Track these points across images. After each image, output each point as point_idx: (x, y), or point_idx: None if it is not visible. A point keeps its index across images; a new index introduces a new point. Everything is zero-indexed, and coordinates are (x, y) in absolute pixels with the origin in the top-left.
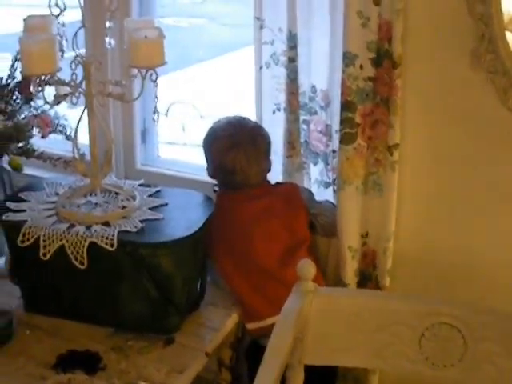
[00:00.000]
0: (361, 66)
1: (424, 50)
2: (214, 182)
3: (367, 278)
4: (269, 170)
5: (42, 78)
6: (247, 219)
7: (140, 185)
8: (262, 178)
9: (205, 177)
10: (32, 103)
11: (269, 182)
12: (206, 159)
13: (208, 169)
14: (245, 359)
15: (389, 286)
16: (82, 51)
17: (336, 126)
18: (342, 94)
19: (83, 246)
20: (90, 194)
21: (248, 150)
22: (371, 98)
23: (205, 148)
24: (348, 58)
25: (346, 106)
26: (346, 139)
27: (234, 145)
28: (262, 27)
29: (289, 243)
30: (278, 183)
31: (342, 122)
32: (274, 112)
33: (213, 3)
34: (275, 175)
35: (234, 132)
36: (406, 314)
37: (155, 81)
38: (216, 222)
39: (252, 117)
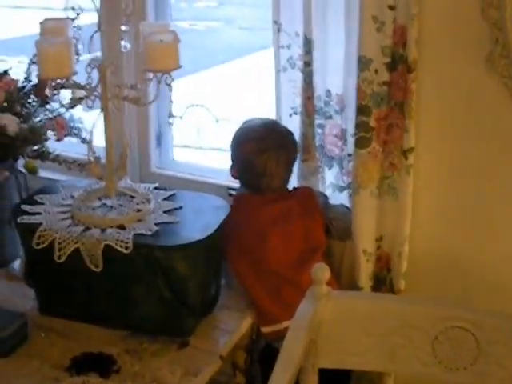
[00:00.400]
0: (376, 71)
1: (438, 54)
2: (230, 185)
3: (381, 282)
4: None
5: (58, 81)
6: (264, 222)
7: (155, 188)
8: (285, 183)
9: (220, 180)
10: (48, 106)
11: (287, 188)
12: (233, 158)
13: (232, 168)
14: (258, 362)
15: (404, 290)
16: (98, 54)
17: (351, 130)
18: (356, 98)
19: (98, 249)
20: (105, 197)
21: (280, 155)
22: (386, 102)
23: (234, 147)
24: (363, 63)
25: (361, 110)
26: (360, 143)
27: (268, 147)
28: (279, 31)
29: (305, 247)
30: (294, 188)
31: (357, 126)
32: (290, 115)
33: (228, 7)
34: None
35: (268, 135)
36: (420, 318)
37: (170, 84)
38: (232, 224)
39: None
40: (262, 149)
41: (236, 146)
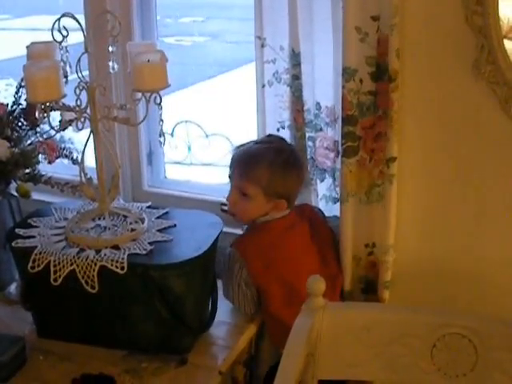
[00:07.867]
0: (360, 80)
1: (425, 62)
2: (222, 201)
3: (373, 290)
4: None
5: (47, 104)
6: (298, 249)
7: (148, 207)
8: None
9: (212, 196)
10: (38, 129)
11: None
12: (272, 180)
13: (268, 190)
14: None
15: (389, 299)
16: (86, 74)
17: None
18: (342, 108)
19: (94, 270)
20: (99, 218)
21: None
22: (372, 111)
23: (283, 177)
24: (348, 73)
25: (347, 120)
26: (348, 152)
27: (301, 165)
28: (263, 46)
29: (324, 273)
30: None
31: (344, 135)
32: (278, 130)
33: (215, 21)
34: None
35: (296, 154)
36: (417, 326)
37: (159, 104)
38: (266, 251)
39: (253, 135)
40: (300, 163)
41: (285, 173)
